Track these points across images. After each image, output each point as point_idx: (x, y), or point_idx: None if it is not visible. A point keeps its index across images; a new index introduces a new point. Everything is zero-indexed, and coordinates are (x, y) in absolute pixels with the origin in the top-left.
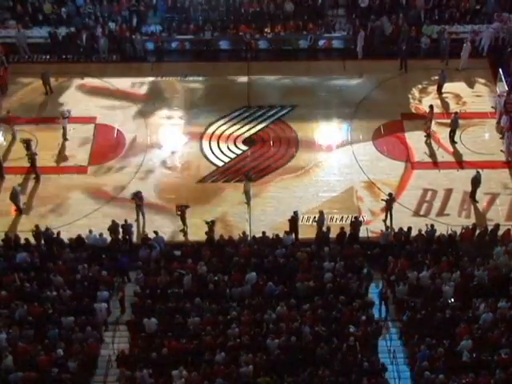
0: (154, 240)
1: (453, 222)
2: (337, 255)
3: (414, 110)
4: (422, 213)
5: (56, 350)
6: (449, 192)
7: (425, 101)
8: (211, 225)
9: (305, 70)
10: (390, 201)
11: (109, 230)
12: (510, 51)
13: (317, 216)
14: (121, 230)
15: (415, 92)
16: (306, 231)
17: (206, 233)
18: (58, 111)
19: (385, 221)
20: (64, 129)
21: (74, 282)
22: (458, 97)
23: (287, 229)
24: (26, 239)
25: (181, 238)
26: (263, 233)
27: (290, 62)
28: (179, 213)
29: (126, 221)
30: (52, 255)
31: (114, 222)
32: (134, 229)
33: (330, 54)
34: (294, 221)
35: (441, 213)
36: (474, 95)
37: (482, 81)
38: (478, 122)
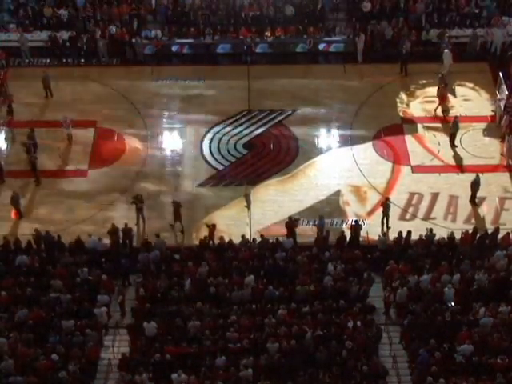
0: (154, 243)
1: (451, 226)
2: (337, 259)
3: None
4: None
5: (55, 354)
6: (449, 196)
7: (424, 104)
8: (212, 228)
9: (305, 73)
10: (386, 205)
11: (109, 233)
12: (510, 55)
13: (317, 220)
14: (121, 233)
15: (415, 96)
16: (306, 235)
17: (205, 236)
18: (60, 116)
19: (382, 225)
20: (69, 135)
21: (74, 286)
22: (457, 100)
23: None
24: (29, 242)
25: (181, 241)
26: (261, 236)
27: (291, 65)
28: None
29: (126, 224)
30: (52, 259)
31: (113, 225)
32: (135, 232)
33: (330, 57)
34: (290, 226)
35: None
36: (474, 99)
37: (482, 84)
38: (478, 126)
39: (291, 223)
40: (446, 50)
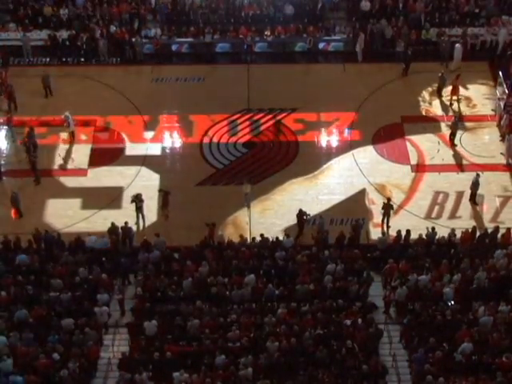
0: (154, 243)
1: (451, 224)
2: (336, 258)
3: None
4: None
5: (56, 353)
6: (445, 196)
7: (425, 104)
8: (211, 227)
9: (305, 72)
10: (388, 205)
11: (108, 232)
12: (510, 54)
13: (317, 219)
14: (121, 232)
15: (415, 95)
16: (306, 234)
17: (205, 236)
18: (60, 115)
19: (382, 225)
20: (71, 132)
21: (74, 285)
22: (457, 99)
23: (287, 231)
24: (29, 241)
25: (180, 240)
26: (261, 235)
27: (290, 64)
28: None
29: (126, 223)
30: (52, 258)
31: (113, 224)
32: (134, 231)
33: (330, 56)
34: (300, 217)
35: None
36: (473, 98)
37: (482, 84)
38: (478, 125)
39: (301, 215)
40: (457, 45)
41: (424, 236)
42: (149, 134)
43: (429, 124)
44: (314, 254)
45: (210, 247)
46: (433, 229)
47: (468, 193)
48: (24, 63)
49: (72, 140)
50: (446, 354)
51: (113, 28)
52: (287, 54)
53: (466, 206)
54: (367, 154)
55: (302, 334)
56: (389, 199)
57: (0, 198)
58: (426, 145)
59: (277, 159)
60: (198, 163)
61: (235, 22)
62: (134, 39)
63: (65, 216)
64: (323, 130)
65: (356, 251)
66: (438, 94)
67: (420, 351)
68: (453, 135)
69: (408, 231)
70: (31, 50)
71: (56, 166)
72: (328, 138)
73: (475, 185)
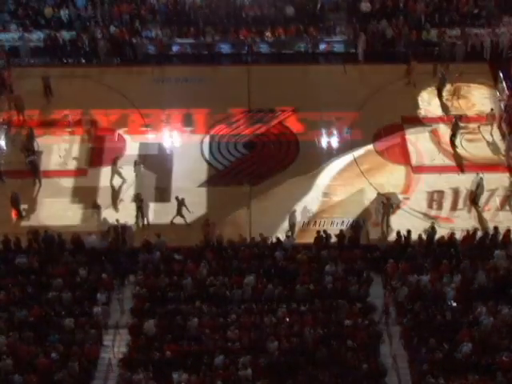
0: (155, 243)
1: (451, 224)
2: (336, 258)
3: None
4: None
5: (56, 352)
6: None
7: (425, 104)
8: (212, 227)
9: (305, 73)
10: (387, 205)
11: (108, 232)
12: (510, 55)
13: (317, 220)
14: (120, 231)
15: (415, 95)
16: (306, 235)
17: (205, 236)
18: (61, 115)
19: (382, 225)
20: (72, 132)
21: (74, 285)
22: (458, 100)
23: (287, 231)
24: (29, 240)
25: (180, 240)
26: (261, 235)
27: (291, 65)
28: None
29: (126, 223)
30: (52, 258)
31: (113, 224)
32: (134, 231)
33: (331, 57)
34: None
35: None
36: (473, 98)
37: (482, 84)
38: (478, 125)
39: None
40: (458, 43)
41: (424, 236)
42: (149, 134)
43: (429, 124)
44: (314, 254)
45: (210, 247)
46: (432, 228)
47: (468, 193)
48: (24, 64)
49: (72, 140)
50: (446, 354)
51: (113, 28)
52: (288, 54)
53: (465, 206)
54: (367, 153)
55: (302, 334)
56: (388, 199)
57: (0, 198)
58: (426, 145)
59: (277, 160)
60: (199, 163)
61: (236, 23)
62: (134, 40)
63: (64, 216)
64: (323, 130)
65: (356, 251)
66: (438, 94)
67: (422, 351)
68: (453, 136)
69: (408, 231)
70: (31, 50)
71: (56, 166)
72: (328, 138)
73: (476, 185)
